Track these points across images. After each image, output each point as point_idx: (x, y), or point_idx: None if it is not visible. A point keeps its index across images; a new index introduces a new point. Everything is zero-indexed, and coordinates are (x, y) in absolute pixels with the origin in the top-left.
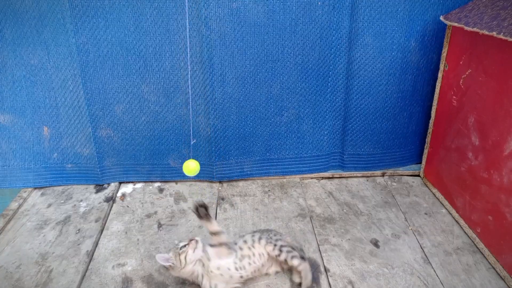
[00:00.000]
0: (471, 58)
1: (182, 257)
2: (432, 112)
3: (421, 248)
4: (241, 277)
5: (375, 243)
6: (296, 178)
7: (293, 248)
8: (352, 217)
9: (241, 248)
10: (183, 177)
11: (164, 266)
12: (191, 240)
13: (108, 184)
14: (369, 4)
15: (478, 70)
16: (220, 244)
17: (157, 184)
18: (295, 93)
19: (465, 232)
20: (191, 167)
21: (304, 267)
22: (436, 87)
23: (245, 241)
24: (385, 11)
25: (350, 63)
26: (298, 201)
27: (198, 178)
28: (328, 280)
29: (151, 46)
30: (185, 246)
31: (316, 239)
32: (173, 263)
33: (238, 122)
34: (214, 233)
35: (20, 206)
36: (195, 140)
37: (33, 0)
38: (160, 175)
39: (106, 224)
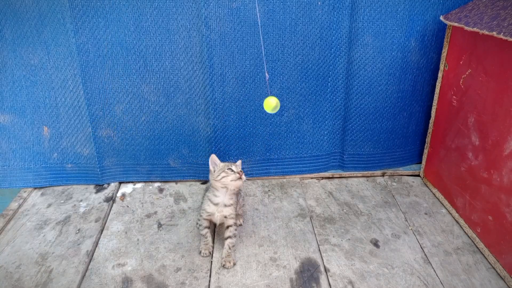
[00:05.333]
0: (471, 58)
1: (222, 174)
2: (432, 112)
3: (421, 248)
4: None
5: (375, 243)
6: (296, 178)
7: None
8: (352, 217)
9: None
10: (183, 177)
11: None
12: (240, 172)
13: (108, 184)
14: (369, 4)
15: (478, 70)
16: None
17: (157, 184)
18: (295, 93)
19: (465, 232)
20: (272, 103)
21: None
22: (436, 87)
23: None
24: (385, 11)
25: (350, 63)
26: (298, 201)
27: (198, 178)
28: (328, 280)
29: (151, 46)
30: (233, 171)
31: (316, 239)
32: (214, 171)
33: (238, 122)
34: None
35: (20, 206)
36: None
37: (33, 0)
38: (160, 175)
39: (106, 224)
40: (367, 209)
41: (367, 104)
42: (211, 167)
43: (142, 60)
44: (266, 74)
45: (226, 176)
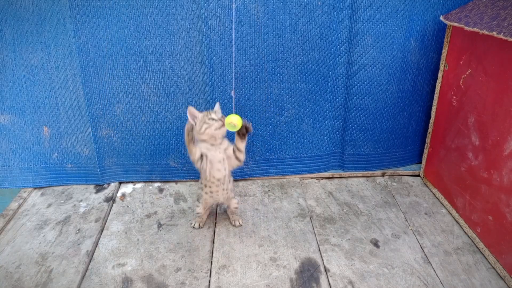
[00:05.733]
0: (471, 58)
1: (204, 126)
2: (432, 112)
3: (421, 248)
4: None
5: (375, 243)
6: (296, 178)
7: None
8: (352, 217)
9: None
10: (183, 177)
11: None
12: (222, 119)
13: (108, 184)
14: (369, 4)
15: (478, 70)
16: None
17: (157, 184)
18: (295, 93)
19: (465, 232)
20: (234, 121)
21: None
22: (436, 87)
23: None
24: (385, 11)
25: (350, 63)
26: (298, 201)
27: (197, 178)
28: (328, 280)
29: (151, 46)
30: (214, 119)
31: (316, 239)
32: (195, 124)
33: None
34: (238, 150)
35: (20, 206)
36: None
37: (33, 0)
38: (160, 175)
39: (106, 224)
40: (367, 209)
41: (367, 104)
42: (191, 121)
43: (142, 60)
44: (233, 93)
45: (208, 127)
